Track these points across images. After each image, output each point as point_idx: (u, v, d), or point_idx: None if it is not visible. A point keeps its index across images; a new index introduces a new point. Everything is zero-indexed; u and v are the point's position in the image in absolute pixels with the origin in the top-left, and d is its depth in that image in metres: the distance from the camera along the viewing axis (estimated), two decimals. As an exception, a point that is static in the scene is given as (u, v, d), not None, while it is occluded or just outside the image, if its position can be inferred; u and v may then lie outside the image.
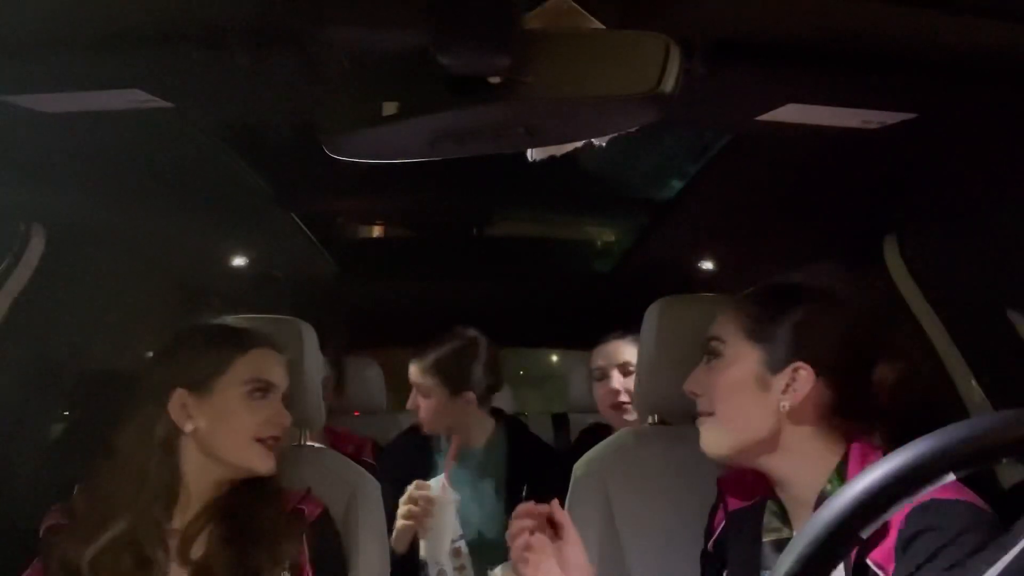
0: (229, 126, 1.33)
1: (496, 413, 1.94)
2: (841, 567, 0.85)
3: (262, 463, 1.13)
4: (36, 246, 1.51)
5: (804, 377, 0.96)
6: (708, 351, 1.05)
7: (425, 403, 1.83)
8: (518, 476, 1.81)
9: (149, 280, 2.01)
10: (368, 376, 2.71)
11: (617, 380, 1.92)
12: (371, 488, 1.34)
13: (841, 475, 0.94)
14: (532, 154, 0.88)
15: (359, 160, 0.84)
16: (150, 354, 1.43)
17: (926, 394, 1.01)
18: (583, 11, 0.75)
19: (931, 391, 1.37)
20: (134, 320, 1.98)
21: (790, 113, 0.99)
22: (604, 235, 2.60)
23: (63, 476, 1.20)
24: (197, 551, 1.10)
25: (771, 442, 0.98)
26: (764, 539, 1.03)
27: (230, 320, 1.31)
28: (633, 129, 0.79)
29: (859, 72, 0.87)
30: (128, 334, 1.98)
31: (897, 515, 0.80)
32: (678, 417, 1.37)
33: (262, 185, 1.65)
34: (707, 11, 0.78)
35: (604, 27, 0.76)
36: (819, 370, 0.96)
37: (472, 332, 1.88)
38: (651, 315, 1.37)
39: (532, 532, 1.03)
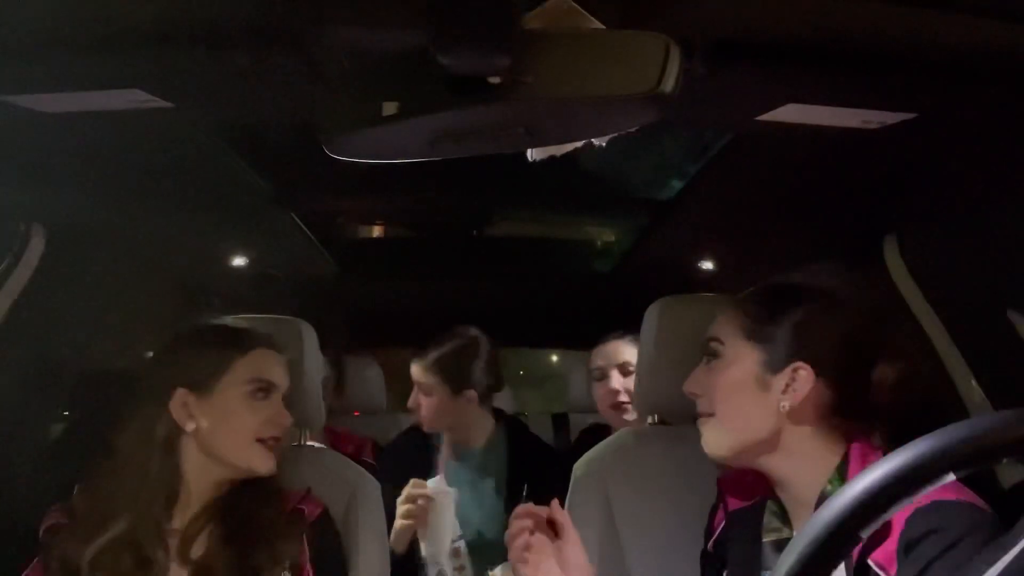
0: (229, 126, 1.33)
1: (496, 413, 1.94)
2: (842, 567, 0.85)
3: (263, 463, 1.14)
4: (36, 246, 1.51)
5: (804, 377, 0.96)
6: (708, 351, 1.05)
7: (426, 401, 1.83)
8: (518, 476, 1.81)
9: (149, 280, 2.01)
10: (368, 376, 2.71)
11: (617, 380, 1.92)
12: (371, 488, 1.34)
13: (842, 475, 0.94)
14: (532, 154, 0.88)
15: (359, 160, 0.84)
16: (150, 354, 1.43)
17: (926, 394, 1.00)
18: (583, 11, 0.75)
19: (931, 391, 1.37)
20: (134, 320, 1.98)
21: (790, 113, 0.99)
22: (604, 235, 2.60)
23: (63, 476, 1.20)
24: (197, 551, 1.11)
25: (771, 442, 0.98)
26: (764, 539, 1.03)
27: (230, 320, 1.31)
28: (633, 129, 0.79)
29: (859, 72, 0.87)
30: (128, 334, 1.98)
31: (899, 516, 0.80)
32: (678, 417, 1.37)
33: (262, 185, 1.65)
34: (707, 11, 0.78)
35: (604, 27, 0.76)
36: (819, 370, 0.96)
37: (474, 331, 1.89)
38: (651, 315, 1.37)
39: (532, 532, 1.03)
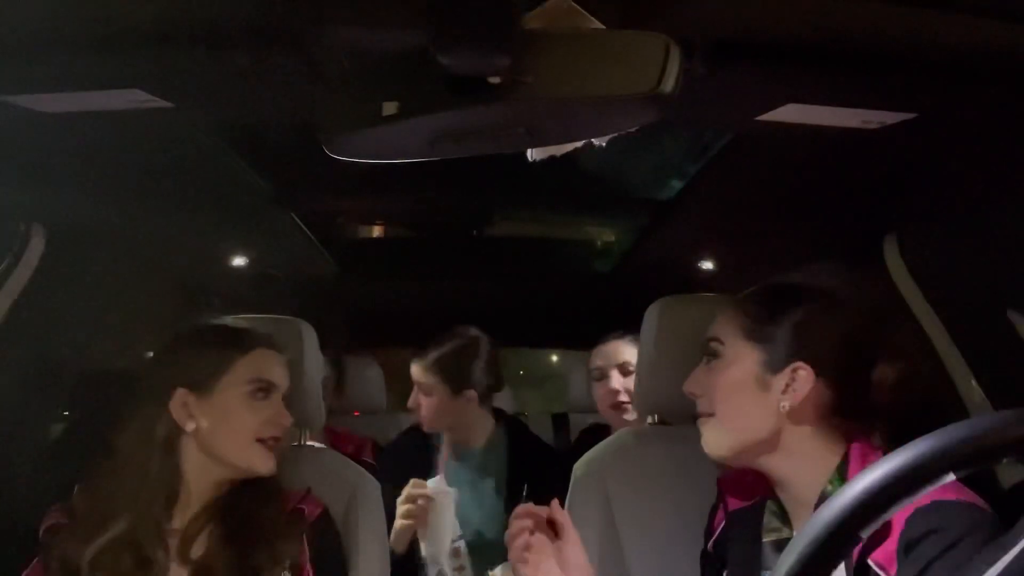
0: (229, 126, 1.33)
1: (496, 413, 1.94)
2: (842, 567, 0.85)
3: (263, 463, 1.14)
4: (36, 246, 1.51)
5: (804, 377, 0.96)
6: (708, 351, 1.05)
7: (426, 401, 1.83)
8: (518, 476, 1.81)
9: (149, 280, 2.01)
10: (368, 376, 2.71)
11: (616, 380, 1.92)
12: (371, 488, 1.34)
13: (842, 475, 0.94)
14: (532, 154, 0.88)
15: (359, 160, 0.84)
16: (150, 354, 1.43)
17: (926, 394, 1.00)
18: (583, 11, 0.75)
19: (931, 391, 1.37)
20: (134, 320, 1.98)
21: (790, 113, 0.99)
22: (604, 235, 2.60)
23: (63, 476, 1.20)
24: (197, 551, 1.11)
25: (771, 442, 0.98)
26: (764, 539, 1.03)
27: (230, 320, 1.31)
28: (633, 129, 0.79)
29: (859, 72, 0.87)
30: (128, 334, 1.98)
31: (899, 516, 0.80)
32: (678, 417, 1.37)
33: (262, 185, 1.65)
34: (707, 11, 0.78)
35: (604, 27, 0.76)
36: (819, 370, 0.96)
37: (474, 331, 1.89)
38: (651, 315, 1.37)
39: (532, 532, 1.03)
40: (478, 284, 2.60)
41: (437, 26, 0.65)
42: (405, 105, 0.73)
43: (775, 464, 0.99)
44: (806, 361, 0.96)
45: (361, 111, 0.75)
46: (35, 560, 1.10)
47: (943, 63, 0.84)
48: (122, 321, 1.90)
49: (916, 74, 0.87)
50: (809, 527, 0.50)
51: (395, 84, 0.74)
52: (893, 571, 0.81)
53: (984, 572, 0.51)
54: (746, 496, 1.09)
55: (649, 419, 1.44)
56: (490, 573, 1.25)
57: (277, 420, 1.16)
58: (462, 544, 1.72)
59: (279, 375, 1.18)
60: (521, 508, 1.05)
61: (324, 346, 1.42)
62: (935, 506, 0.80)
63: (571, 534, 1.04)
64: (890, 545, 0.81)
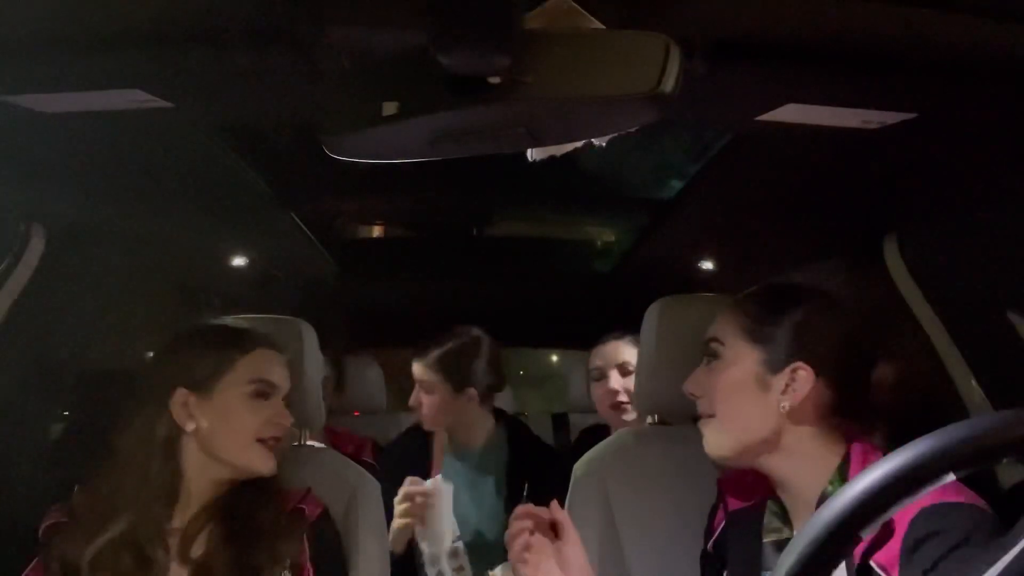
0: (229, 126, 1.33)
1: (496, 413, 1.94)
2: (843, 568, 0.85)
3: (263, 463, 1.14)
4: (36, 246, 1.50)
5: (804, 377, 0.96)
6: (708, 352, 1.05)
7: (427, 400, 1.83)
8: (518, 476, 1.81)
9: (149, 280, 2.01)
10: (368, 376, 2.71)
11: (615, 380, 1.92)
12: (371, 488, 1.34)
13: (843, 475, 0.94)
14: (532, 154, 0.88)
15: (359, 160, 0.84)
16: (151, 354, 1.43)
17: (926, 394, 1.01)
18: (583, 11, 0.75)
19: (931, 391, 1.37)
20: (134, 320, 1.98)
21: (790, 113, 0.99)
22: (604, 235, 2.60)
23: (63, 476, 1.20)
24: (197, 550, 1.11)
25: (772, 442, 0.98)
26: (764, 539, 1.03)
27: (230, 320, 1.31)
28: (633, 129, 0.79)
29: (859, 72, 0.87)
30: (128, 334, 1.98)
31: (902, 518, 0.80)
32: (678, 417, 1.37)
33: (262, 185, 1.65)
34: (707, 11, 0.78)
35: (604, 27, 0.76)
36: (819, 370, 0.96)
37: (475, 330, 1.89)
38: (651, 315, 1.37)
39: (532, 532, 1.03)
40: (478, 284, 2.60)
41: (437, 26, 0.65)
42: (405, 105, 0.73)
43: (776, 464, 0.99)
44: (806, 361, 0.96)
45: (361, 111, 0.75)
46: (35, 560, 1.10)
47: (943, 63, 0.84)
48: (122, 321, 1.90)
49: (916, 74, 0.87)
50: (809, 527, 0.50)
51: (395, 84, 0.74)
52: (895, 573, 0.81)
53: (984, 572, 0.51)
54: (746, 496, 1.09)
55: (649, 419, 1.44)
56: (490, 573, 1.25)
57: (277, 420, 1.16)
58: (461, 544, 1.72)
59: (279, 375, 1.18)
60: (521, 508, 1.05)
61: (324, 346, 1.42)
62: (938, 508, 0.80)
63: (571, 534, 1.04)
64: (893, 547, 0.81)
